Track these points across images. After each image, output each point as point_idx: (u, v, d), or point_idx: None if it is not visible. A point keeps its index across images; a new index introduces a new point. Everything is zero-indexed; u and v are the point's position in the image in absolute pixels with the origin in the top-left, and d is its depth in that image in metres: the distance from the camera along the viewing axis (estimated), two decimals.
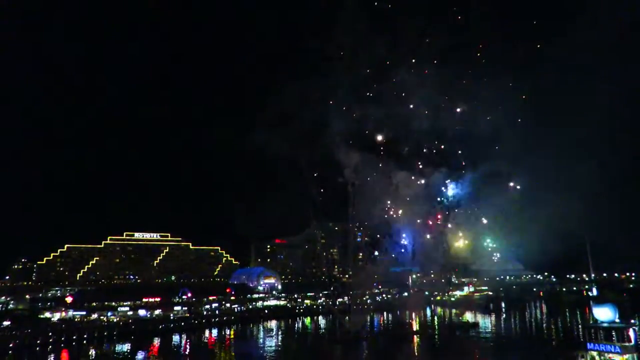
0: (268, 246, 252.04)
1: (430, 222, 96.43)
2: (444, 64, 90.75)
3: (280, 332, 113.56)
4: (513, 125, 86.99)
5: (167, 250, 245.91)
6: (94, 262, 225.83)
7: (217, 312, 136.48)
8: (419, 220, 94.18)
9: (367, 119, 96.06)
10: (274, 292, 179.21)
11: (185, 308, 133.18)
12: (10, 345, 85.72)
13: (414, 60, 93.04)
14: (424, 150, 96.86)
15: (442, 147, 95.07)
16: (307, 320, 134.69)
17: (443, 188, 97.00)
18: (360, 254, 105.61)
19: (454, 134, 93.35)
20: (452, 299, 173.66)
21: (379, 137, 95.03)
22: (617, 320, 52.82)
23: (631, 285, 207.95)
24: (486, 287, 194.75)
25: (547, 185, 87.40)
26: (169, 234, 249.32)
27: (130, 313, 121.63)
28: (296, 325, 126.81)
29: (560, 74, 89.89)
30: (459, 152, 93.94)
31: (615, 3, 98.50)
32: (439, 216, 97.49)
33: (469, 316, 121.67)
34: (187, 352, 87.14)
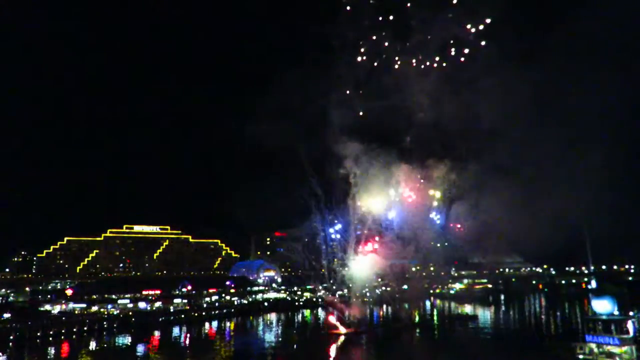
0: (268, 239, 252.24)
1: (431, 215, 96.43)
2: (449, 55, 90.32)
3: (280, 325, 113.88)
4: (516, 117, 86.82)
5: (166, 243, 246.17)
6: (93, 254, 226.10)
7: (217, 304, 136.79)
8: (420, 213, 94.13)
9: (369, 109, 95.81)
10: (273, 285, 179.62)
11: (185, 301, 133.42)
12: (11, 337, 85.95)
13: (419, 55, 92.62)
14: (427, 142, 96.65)
15: (445, 138, 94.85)
16: (307, 312, 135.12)
17: (444, 180, 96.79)
18: (360, 247, 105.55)
19: (457, 126, 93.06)
20: (452, 291, 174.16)
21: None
22: (616, 312, 52.96)
23: (630, 278, 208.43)
24: (485, 280, 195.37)
25: (548, 177, 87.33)
26: (168, 227, 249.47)
27: (130, 306, 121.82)
28: (296, 317, 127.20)
29: (564, 65, 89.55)
30: (462, 143, 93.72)
31: None
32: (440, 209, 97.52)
33: (468, 309, 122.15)
34: (187, 345, 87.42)
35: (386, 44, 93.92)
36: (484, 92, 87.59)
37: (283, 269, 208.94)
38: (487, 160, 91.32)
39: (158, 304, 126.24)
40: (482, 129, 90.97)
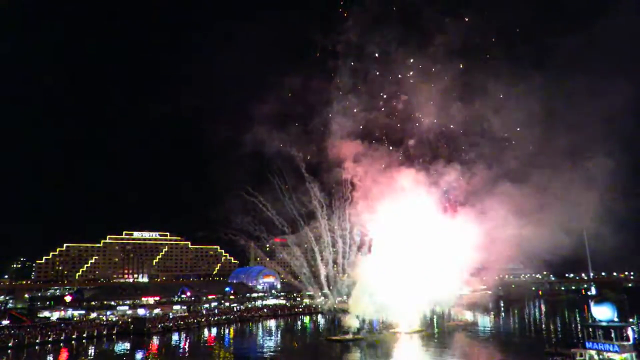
0: (267, 245, 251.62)
1: (435, 220, 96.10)
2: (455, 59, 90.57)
3: (279, 331, 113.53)
4: (525, 123, 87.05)
5: (166, 249, 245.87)
6: (93, 261, 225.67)
7: (216, 311, 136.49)
8: (423, 218, 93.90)
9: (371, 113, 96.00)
10: (273, 291, 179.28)
11: (185, 307, 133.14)
12: (9, 344, 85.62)
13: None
14: (432, 146, 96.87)
15: (452, 143, 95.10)
16: (307, 319, 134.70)
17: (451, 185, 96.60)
18: (361, 252, 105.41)
19: (464, 130, 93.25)
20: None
21: None
22: (616, 319, 52.95)
23: (630, 284, 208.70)
24: (485, 286, 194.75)
25: (550, 184, 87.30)
26: (168, 233, 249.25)
27: (129, 312, 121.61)
28: (295, 324, 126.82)
29: (575, 70, 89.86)
30: (469, 148, 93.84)
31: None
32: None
33: (467, 315, 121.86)
34: (186, 351, 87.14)
35: (390, 49, 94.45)
36: (492, 98, 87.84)
37: (282, 276, 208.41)
38: (493, 166, 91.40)
39: (157, 310, 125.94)
40: (488, 135, 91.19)
